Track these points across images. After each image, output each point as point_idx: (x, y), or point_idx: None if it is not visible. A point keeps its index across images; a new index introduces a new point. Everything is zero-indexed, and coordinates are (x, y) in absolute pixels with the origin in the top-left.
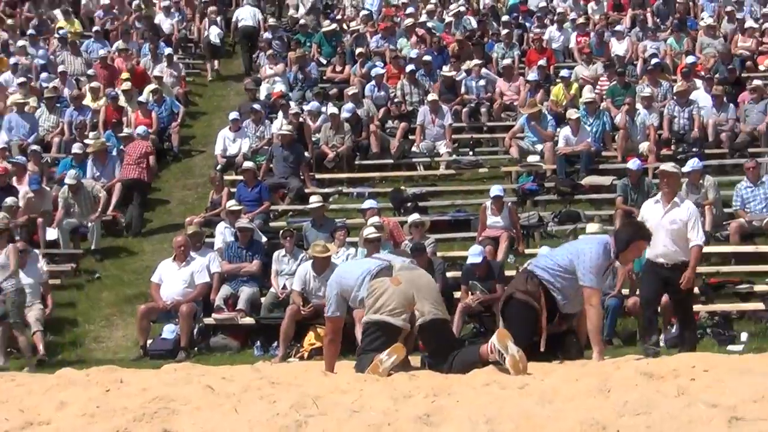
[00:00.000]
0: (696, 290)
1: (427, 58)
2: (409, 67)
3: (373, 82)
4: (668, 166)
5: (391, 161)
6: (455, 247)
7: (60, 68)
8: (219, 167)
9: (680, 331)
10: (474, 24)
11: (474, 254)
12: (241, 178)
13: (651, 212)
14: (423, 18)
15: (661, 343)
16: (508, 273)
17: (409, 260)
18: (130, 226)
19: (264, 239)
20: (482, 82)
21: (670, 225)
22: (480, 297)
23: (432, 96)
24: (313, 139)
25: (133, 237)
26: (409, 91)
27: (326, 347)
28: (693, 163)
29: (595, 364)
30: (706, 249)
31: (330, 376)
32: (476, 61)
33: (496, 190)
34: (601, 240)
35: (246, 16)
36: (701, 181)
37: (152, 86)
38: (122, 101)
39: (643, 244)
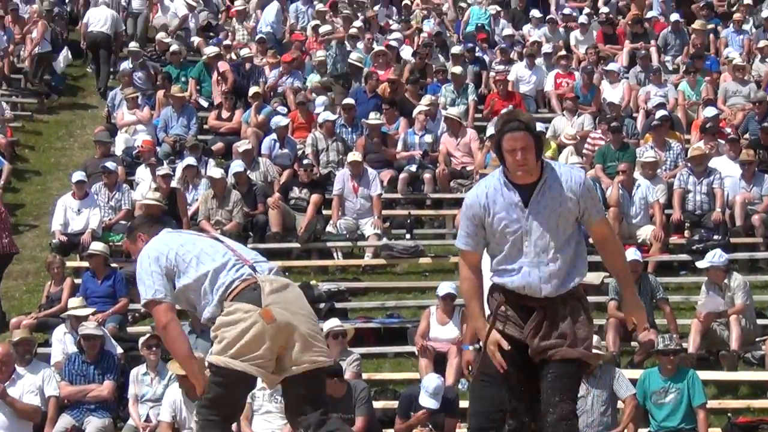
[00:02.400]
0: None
1: (348, 101)
2: (324, 115)
3: (273, 135)
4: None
5: (298, 245)
6: (386, 365)
7: None
8: (55, 246)
9: None
10: (412, 57)
11: (430, 392)
12: (88, 264)
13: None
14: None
15: None
16: (462, 404)
17: (276, 267)
18: None
19: (119, 351)
20: (428, 138)
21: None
22: None
23: (354, 156)
24: (190, 212)
25: None
26: (324, 147)
27: (171, 341)
28: (714, 257)
29: None
30: (732, 375)
31: None
32: (420, 108)
33: (445, 287)
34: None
35: (99, 19)
36: (726, 281)
37: None
38: None
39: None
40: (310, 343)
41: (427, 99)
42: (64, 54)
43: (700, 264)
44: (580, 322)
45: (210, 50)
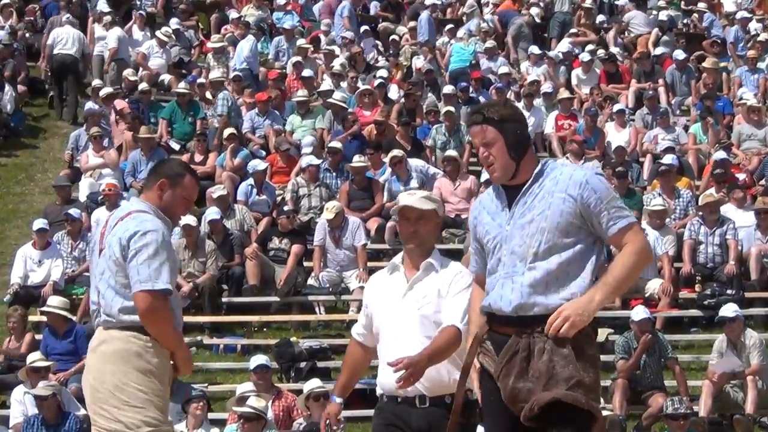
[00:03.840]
0: None
1: (334, 144)
2: (308, 159)
3: (250, 180)
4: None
5: (277, 299)
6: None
7: None
8: (10, 300)
9: None
10: (400, 96)
11: None
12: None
13: (388, 286)
14: (326, 85)
15: None
16: None
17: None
18: None
19: (82, 412)
20: (414, 183)
21: (421, 307)
22: None
23: (327, 212)
24: None
25: None
26: (305, 193)
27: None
28: (729, 311)
29: None
30: None
31: None
32: (397, 151)
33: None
34: None
35: (64, 39)
36: (742, 339)
37: None
38: None
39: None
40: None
41: (392, 153)
42: (9, 93)
43: (725, 312)
44: (567, 359)
45: (182, 87)
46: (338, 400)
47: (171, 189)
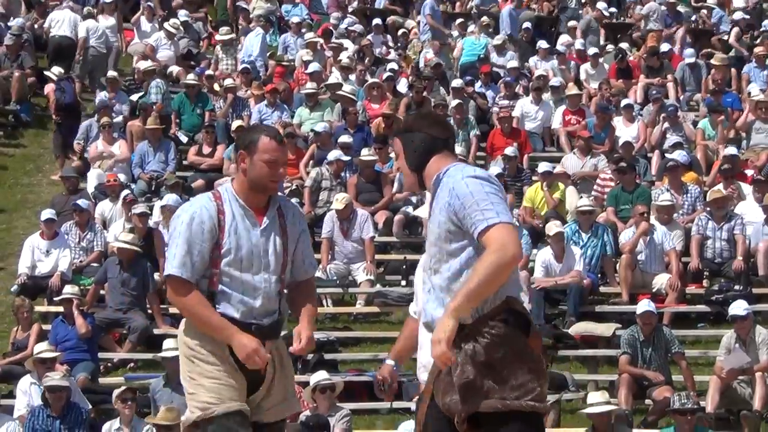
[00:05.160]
0: None
1: (345, 139)
2: (336, 153)
3: None
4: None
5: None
6: (379, 422)
7: None
8: (18, 290)
9: None
10: (408, 90)
11: None
12: (58, 309)
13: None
14: (334, 78)
15: None
16: None
17: None
18: None
19: (89, 406)
20: None
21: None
22: None
23: (338, 203)
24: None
25: None
26: (328, 186)
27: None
28: (739, 310)
29: None
30: None
31: None
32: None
33: None
34: None
35: (61, 21)
36: (751, 335)
37: None
38: None
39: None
40: None
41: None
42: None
43: (735, 311)
44: (476, 368)
45: (191, 79)
46: (391, 362)
47: (249, 158)
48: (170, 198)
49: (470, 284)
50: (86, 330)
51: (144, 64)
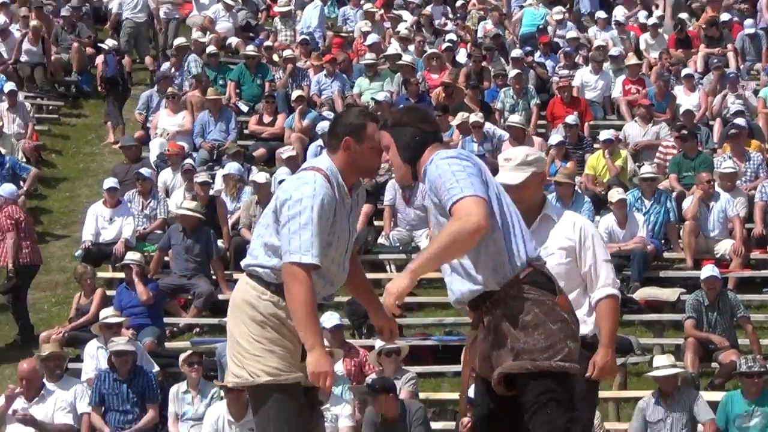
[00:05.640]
0: None
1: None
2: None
3: (320, 141)
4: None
5: None
6: (445, 385)
7: None
8: (82, 256)
9: None
10: (468, 60)
11: None
12: (121, 275)
13: None
14: (393, 49)
15: None
16: None
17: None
18: None
19: (155, 368)
20: (486, 146)
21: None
22: None
23: None
24: (231, 221)
25: None
26: None
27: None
28: None
29: None
30: None
31: None
32: (476, 115)
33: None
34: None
35: (133, 2)
36: None
37: None
38: None
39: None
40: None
41: (458, 118)
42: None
43: None
44: (507, 332)
45: (250, 50)
46: None
47: (357, 144)
48: (232, 167)
49: (431, 249)
50: (147, 296)
51: (179, 41)
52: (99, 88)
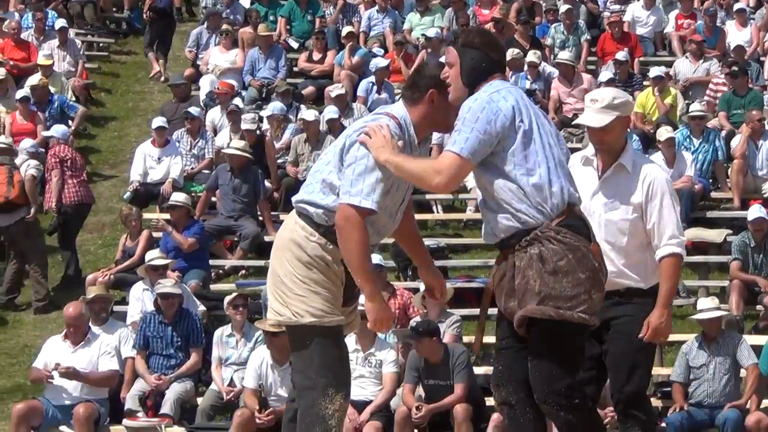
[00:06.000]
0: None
1: None
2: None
3: (370, 79)
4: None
5: None
6: (490, 328)
7: None
8: (130, 197)
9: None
10: None
11: None
12: (168, 216)
13: (580, 180)
14: None
15: None
16: None
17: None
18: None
19: (201, 308)
20: (539, 83)
21: (607, 211)
22: None
23: None
24: (279, 160)
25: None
26: None
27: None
28: None
29: None
30: None
31: None
32: (533, 55)
33: None
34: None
35: None
36: None
37: (36, 77)
38: None
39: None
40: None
41: (509, 54)
42: None
43: None
44: (536, 274)
45: None
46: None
47: (443, 97)
48: (275, 107)
49: (403, 162)
50: (187, 245)
51: None
52: (144, 16)
